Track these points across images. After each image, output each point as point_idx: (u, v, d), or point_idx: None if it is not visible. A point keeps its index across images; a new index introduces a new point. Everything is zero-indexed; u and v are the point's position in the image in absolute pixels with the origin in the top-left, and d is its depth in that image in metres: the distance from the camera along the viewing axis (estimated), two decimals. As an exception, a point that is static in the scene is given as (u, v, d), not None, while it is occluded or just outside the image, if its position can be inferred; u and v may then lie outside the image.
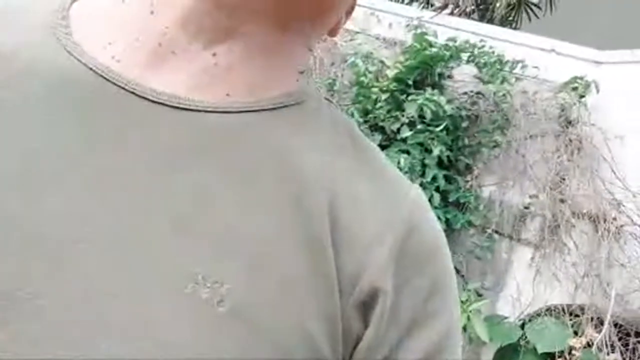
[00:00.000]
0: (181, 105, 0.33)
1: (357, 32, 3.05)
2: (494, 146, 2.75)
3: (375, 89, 2.72)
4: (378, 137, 2.56)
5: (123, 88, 0.33)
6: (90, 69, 0.33)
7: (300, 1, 0.36)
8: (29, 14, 0.38)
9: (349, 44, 3.05)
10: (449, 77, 2.83)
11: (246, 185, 0.33)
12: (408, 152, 2.38)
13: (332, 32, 0.42)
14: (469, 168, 2.70)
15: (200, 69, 0.34)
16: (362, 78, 2.66)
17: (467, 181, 2.65)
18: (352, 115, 2.58)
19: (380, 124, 2.60)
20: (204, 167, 0.33)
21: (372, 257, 0.34)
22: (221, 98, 0.34)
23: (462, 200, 2.53)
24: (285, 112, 0.36)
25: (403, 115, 2.51)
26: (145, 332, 0.29)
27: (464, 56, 2.73)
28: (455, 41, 2.82)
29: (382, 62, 2.86)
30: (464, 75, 2.87)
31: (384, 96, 2.70)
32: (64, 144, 0.32)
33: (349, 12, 0.43)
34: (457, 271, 2.60)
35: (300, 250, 0.33)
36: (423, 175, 2.38)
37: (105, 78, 0.33)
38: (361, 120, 2.53)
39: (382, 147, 2.57)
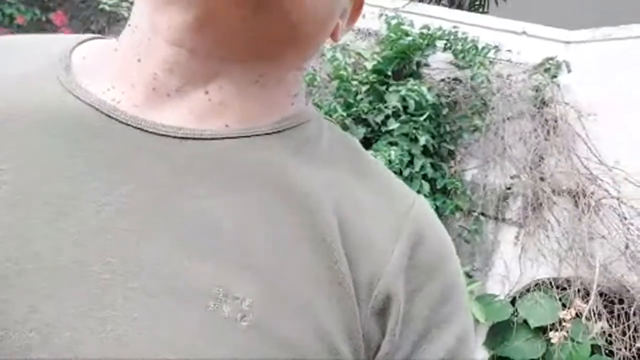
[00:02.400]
0: (186, 135, 0.35)
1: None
2: (474, 130, 2.81)
3: (354, 82, 2.72)
4: (362, 130, 2.57)
5: (129, 124, 0.35)
6: (97, 109, 0.36)
7: (268, 45, 0.36)
8: (33, 60, 0.39)
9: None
10: (426, 65, 2.86)
11: (252, 205, 0.35)
12: (396, 144, 2.40)
13: (333, 37, 0.43)
14: (451, 154, 2.75)
15: (196, 105, 0.37)
16: (342, 72, 2.66)
17: (451, 167, 2.71)
18: (335, 109, 2.58)
19: (364, 116, 2.61)
20: (211, 191, 0.34)
21: (384, 265, 0.36)
22: (219, 127, 0.37)
23: (449, 187, 2.58)
24: (284, 135, 0.38)
25: (386, 107, 2.52)
26: (165, 351, 0.30)
27: (440, 44, 2.76)
28: (429, 29, 2.84)
29: (359, 53, 2.86)
30: (439, 62, 2.91)
31: (364, 88, 2.71)
32: (79, 183, 0.33)
33: (352, 17, 0.44)
34: (449, 256, 2.67)
35: (314, 261, 0.34)
36: (412, 165, 2.41)
37: (111, 117, 0.35)
38: (344, 114, 2.53)
39: (369, 140, 2.58)
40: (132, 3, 3.02)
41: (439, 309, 0.38)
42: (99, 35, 0.45)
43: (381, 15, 2.99)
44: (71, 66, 0.39)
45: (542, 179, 2.69)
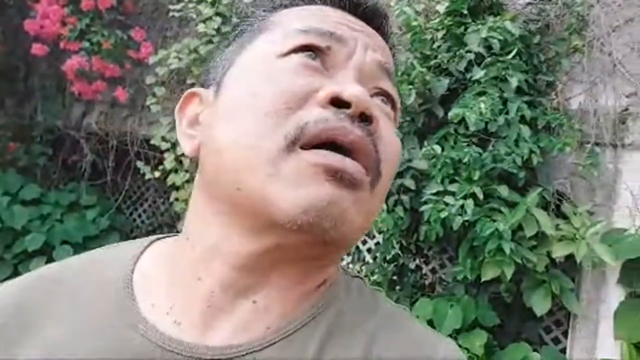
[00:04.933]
0: (232, 355, 0.41)
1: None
2: (574, 52, 2.50)
3: (428, 30, 2.54)
4: (445, 81, 2.42)
5: (182, 354, 0.41)
6: (157, 344, 0.41)
7: (322, 259, 0.44)
8: (91, 288, 0.45)
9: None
10: (505, -9, 2.57)
11: None
12: (485, 93, 2.23)
13: None
14: (550, 85, 2.49)
15: (243, 315, 0.42)
16: (413, 23, 2.49)
17: (552, 99, 2.46)
18: (413, 66, 2.44)
19: (445, 66, 2.45)
20: None
21: None
22: (262, 333, 0.42)
23: (552, 123, 2.36)
24: (316, 322, 0.43)
25: (468, 52, 2.33)
26: None
27: (518, -36, 2.45)
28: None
29: (428, -3, 2.65)
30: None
31: (439, 35, 2.53)
32: None
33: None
34: (564, 196, 2.47)
35: None
36: (505, 110, 2.23)
37: (168, 349, 0.41)
38: (423, 69, 2.39)
39: (455, 92, 2.43)
40: (198, 2, 3.10)
41: None
42: (158, 236, 0.50)
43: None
44: (133, 289, 0.44)
45: (665, 91, 2.34)
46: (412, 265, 2.84)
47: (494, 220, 2.24)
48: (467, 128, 2.30)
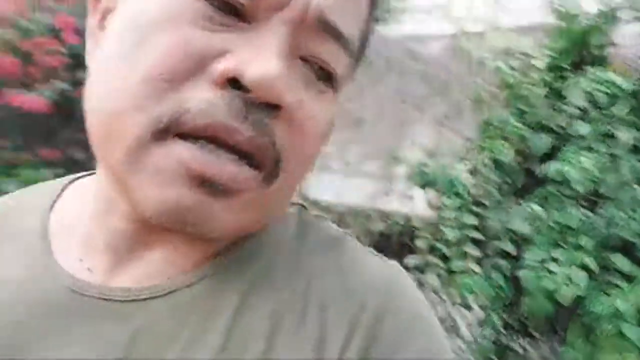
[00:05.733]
0: (148, 296, 0.38)
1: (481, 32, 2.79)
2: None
3: (526, 85, 2.41)
4: (547, 139, 2.23)
5: (99, 297, 0.38)
6: (70, 288, 0.39)
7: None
8: (7, 232, 0.43)
9: (479, 44, 2.80)
10: (612, 44, 2.38)
11: (217, 346, 0.36)
12: (590, 148, 2.02)
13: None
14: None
15: (148, 264, 0.40)
16: (510, 79, 2.39)
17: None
18: (508, 121, 2.30)
19: (545, 122, 2.27)
20: (171, 346, 0.36)
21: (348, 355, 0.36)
22: (176, 277, 0.39)
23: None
24: (244, 259, 0.40)
25: (568, 105, 2.16)
26: None
27: (628, 15, 2.27)
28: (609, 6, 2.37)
29: (524, 53, 2.55)
30: (626, 37, 2.39)
31: (540, 91, 2.38)
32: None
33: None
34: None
35: None
36: (616, 170, 1.98)
37: (78, 293, 0.38)
38: (521, 125, 2.25)
39: (556, 149, 2.23)
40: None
41: None
42: (79, 175, 0.48)
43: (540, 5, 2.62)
44: (48, 233, 0.42)
45: None
46: (517, 347, 2.52)
47: (608, 295, 1.93)
48: (571, 188, 2.07)
